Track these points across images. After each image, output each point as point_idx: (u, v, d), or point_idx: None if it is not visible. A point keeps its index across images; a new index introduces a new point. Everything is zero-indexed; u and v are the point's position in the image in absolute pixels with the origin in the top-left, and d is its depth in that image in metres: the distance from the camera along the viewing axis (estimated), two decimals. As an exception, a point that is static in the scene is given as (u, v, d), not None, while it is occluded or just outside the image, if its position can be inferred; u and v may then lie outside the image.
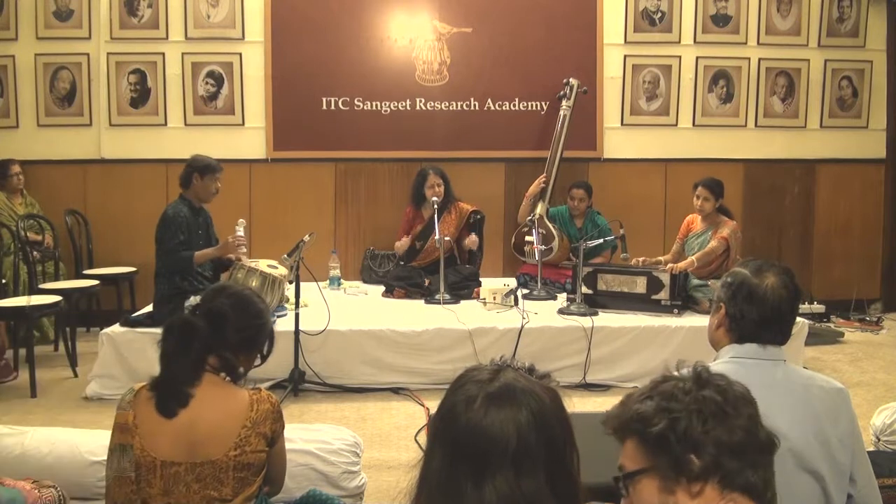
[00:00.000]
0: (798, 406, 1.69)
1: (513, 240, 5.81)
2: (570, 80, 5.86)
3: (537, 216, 5.58)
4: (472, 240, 5.39)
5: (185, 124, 5.97)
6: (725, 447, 1.16)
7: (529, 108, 6.13)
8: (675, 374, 1.27)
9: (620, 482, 1.25)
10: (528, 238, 5.44)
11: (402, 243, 5.53)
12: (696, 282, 4.75)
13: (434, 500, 1.12)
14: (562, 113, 5.84)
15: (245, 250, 4.54)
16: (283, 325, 4.40)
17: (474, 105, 6.09)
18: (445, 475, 1.11)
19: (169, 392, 1.83)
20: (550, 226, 5.58)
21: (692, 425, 1.17)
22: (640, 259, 4.92)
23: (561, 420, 1.16)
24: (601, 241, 5.22)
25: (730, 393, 1.21)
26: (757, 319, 1.81)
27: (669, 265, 4.74)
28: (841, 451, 1.70)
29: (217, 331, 1.91)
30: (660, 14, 6.18)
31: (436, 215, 5.27)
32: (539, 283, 5.22)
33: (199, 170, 4.41)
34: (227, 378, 1.94)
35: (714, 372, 1.26)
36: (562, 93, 5.88)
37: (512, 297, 4.87)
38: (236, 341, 1.95)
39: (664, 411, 1.19)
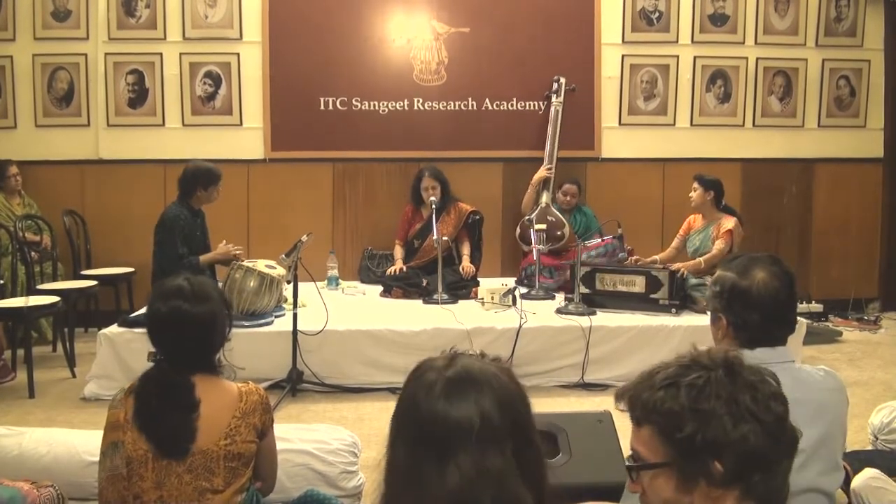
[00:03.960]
0: (810, 415, 1.65)
1: (517, 230, 5.81)
2: (559, 77, 5.91)
3: (543, 204, 5.65)
4: (468, 268, 5.38)
5: (183, 124, 5.97)
6: (750, 455, 1.11)
7: (527, 107, 6.13)
8: (705, 358, 1.20)
9: (633, 470, 1.20)
10: (537, 226, 5.45)
11: (397, 252, 5.59)
12: (694, 281, 4.75)
13: (397, 489, 1.12)
14: (554, 108, 5.89)
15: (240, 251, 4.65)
16: (281, 325, 4.41)
17: (472, 105, 6.09)
18: (409, 464, 1.11)
19: (173, 445, 1.82)
20: (557, 213, 5.61)
21: (721, 430, 1.11)
22: (634, 258, 4.96)
23: (521, 396, 1.17)
24: (599, 240, 5.23)
25: (760, 391, 1.15)
26: (761, 321, 1.77)
27: (677, 265, 4.76)
28: (840, 451, 1.70)
29: (188, 359, 1.88)
30: (657, 14, 6.18)
31: (434, 215, 5.27)
32: (537, 274, 5.22)
33: (202, 184, 4.49)
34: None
35: (745, 363, 1.20)
36: (552, 90, 5.94)
37: (510, 296, 4.86)
38: (211, 348, 1.94)
39: (693, 412, 1.13)
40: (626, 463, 1.23)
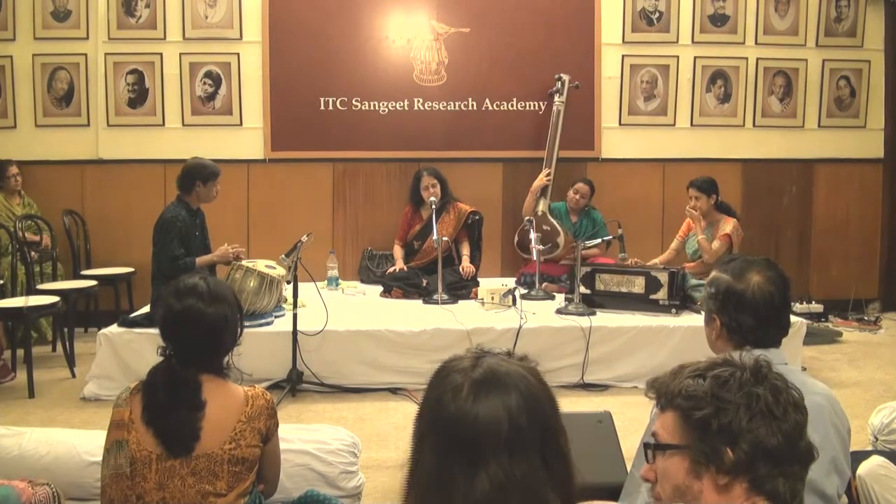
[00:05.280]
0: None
1: (516, 238, 5.80)
2: (562, 75, 5.89)
3: (540, 212, 5.62)
4: (468, 268, 5.38)
5: (183, 125, 5.97)
6: (763, 449, 1.17)
7: (527, 108, 6.13)
8: (737, 359, 1.26)
9: (650, 450, 1.27)
10: (533, 236, 5.44)
11: (397, 252, 5.58)
12: (694, 281, 4.76)
13: (424, 494, 1.10)
14: (555, 108, 5.86)
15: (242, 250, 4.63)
16: (281, 325, 4.41)
17: (472, 105, 6.09)
18: (436, 469, 1.09)
19: (178, 442, 1.82)
20: (554, 222, 5.60)
21: (736, 419, 1.17)
22: (634, 260, 4.96)
23: (549, 398, 1.15)
24: (599, 240, 5.23)
25: (783, 396, 1.20)
26: (754, 323, 1.79)
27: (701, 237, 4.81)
28: (841, 454, 1.70)
29: (197, 358, 1.88)
30: (657, 14, 6.18)
31: (434, 216, 5.27)
32: (537, 282, 5.22)
33: (201, 178, 4.46)
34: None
35: (775, 370, 1.25)
36: (554, 88, 5.91)
37: (510, 297, 4.86)
38: (220, 349, 1.94)
39: (714, 398, 1.20)
40: (644, 441, 1.29)
